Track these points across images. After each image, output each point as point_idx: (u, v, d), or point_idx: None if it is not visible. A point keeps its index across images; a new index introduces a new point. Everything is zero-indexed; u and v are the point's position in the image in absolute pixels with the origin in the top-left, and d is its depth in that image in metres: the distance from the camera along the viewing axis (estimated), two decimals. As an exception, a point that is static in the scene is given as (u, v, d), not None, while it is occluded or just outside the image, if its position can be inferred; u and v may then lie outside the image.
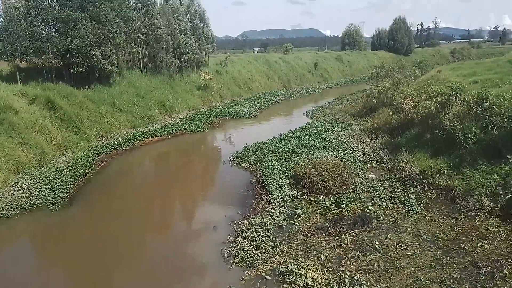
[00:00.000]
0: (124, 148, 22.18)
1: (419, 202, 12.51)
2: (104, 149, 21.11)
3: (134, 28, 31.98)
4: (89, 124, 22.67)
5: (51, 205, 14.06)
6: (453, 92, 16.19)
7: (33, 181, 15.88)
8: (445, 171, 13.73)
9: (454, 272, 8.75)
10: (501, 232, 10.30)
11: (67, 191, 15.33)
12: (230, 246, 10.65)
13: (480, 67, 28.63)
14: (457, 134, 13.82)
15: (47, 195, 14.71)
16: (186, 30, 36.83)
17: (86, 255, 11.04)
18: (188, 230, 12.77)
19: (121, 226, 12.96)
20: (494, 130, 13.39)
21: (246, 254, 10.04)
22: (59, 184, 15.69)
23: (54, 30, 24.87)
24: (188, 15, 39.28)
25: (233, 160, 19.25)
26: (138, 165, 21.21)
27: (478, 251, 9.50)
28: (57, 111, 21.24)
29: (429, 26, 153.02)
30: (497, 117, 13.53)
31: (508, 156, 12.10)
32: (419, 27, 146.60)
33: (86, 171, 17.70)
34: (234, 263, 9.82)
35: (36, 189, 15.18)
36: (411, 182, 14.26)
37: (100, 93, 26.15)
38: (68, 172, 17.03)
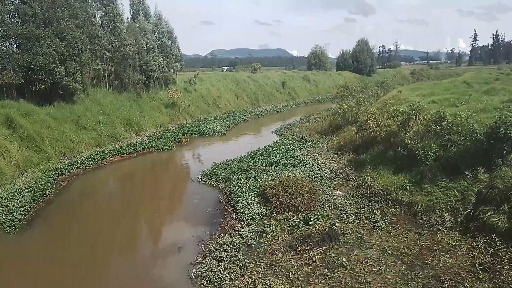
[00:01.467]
0: (88, 167, 21.45)
1: (384, 218, 12.81)
2: (66, 169, 20.33)
3: (100, 45, 31.46)
4: (50, 143, 21.82)
5: (8, 228, 13.32)
6: (413, 111, 16.94)
7: (-11, 203, 15.04)
8: (408, 187, 14.19)
9: (419, 286, 8.96)
10: (461, 246, 10.68)
11: (26, 213, 14.61)
12: (197, 267, 10.44)
13: (438, 87, 30.20)
14: (417, 152, 14.35)
15: (4, 217, 13.94)
16: (153, 48, 36.66)
17: (45, 280, 10.48)
18: (155, 251, 12.40)
19: (83, 249, 12.40)
20: (453, 147, 14.02)
21: (214, 275, 9.86)
22: (18, 205, 14.93)
23: (15, 46, 24.13)
24: (156, 33, 39.17)
25: (201, 179, 19.05)
26: (102, 185, 20.53)
27: (441, 265, 9.79)
28: (16, 129, 20.37)
29: (390, 48, 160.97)
30: (455, 135, 14.21)
31: (466, 172, 12.69)
32: (381, 49, 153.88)
33: (47, 191, 16.95)
34: (202, 285, 9.60)
35: (-9, 211, 14.37)
36: (376, 198, 14.61)
37: (63, 110, 25.35)
38: (27, 193, 16.26)
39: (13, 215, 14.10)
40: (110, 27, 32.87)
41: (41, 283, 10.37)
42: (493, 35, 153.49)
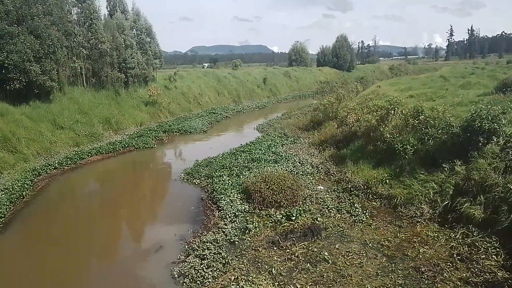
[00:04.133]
0: (66, 167, 20.98)
1: (365, 211, 12.98)
2: (44, 169, 19.83)
3: (76, 43, 30.74)
4: (26, 143, 21.22)
5: (-18, 232, 12.93)
6: (392, 106, 17.21)
7: (-38, 206, 14.54)
8: (387, 180, 14.41)
9: (399, 278, 9.12)
10: (440, 237, 10.91)
11: (2, 215, 14.19)
12: (180, 266, 10.37)
13: (416, 82, 30.75)
14: (396, 145, 14.58)
15: (-22, 221, 13.51)
16: (132, 45, 36.06)
17: (23, 284, 10.22)
18: (137, 252, 12.23)
19: (62, 251, 12.15)
20: (430, 141, 14.32)
21: (196, 273, 9.81)
22: (-7, 208, 14.50)
23: (-13, 44, 23.31)
24: (134, 29, 38.53)
25: (183, 177, 18.90)
26: (81, 185, 20.14)
27: (421, 256, 9.99)
28: (-10, 130, 19.74)
29: (369, 44, 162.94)
30: (432, 128, 14.51)
31: (444, 165, 12.97)
32: (360, 45, 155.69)
33: (24, 193, 16.51)
34: (184, 283, 9.55)
35: (-35, 215, 13.91)
36: (356, 192, 14.79)
37: (39, 110, 24.69)
38: (3, 195, 15.77)
39: (-12, 218, 13.69)
40: (87, 24, 32.14)
41: (18, 288, 10.11)
42: (469, 30, 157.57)
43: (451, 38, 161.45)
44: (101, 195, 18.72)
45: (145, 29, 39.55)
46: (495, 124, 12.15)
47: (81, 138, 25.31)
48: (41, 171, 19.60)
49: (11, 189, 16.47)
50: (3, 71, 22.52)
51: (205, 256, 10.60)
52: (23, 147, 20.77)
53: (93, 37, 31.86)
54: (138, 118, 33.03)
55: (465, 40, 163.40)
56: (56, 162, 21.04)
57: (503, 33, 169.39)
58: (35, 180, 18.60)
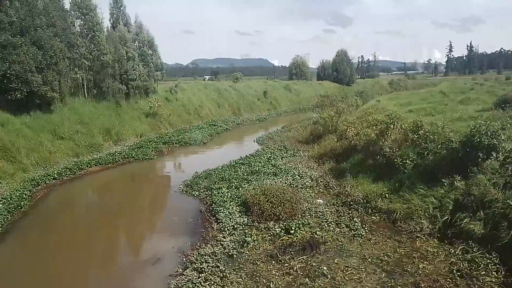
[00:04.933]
0: (65, 178, 20.93)
1: (364, 226, 12.91)
2: (43, 180, 19.78)
3: (78, 54, 30.99)
4: (26, 153, 21.21)
5: (-21, 242, 12.83)
6: (391, 121, 17.26)
7: (-40, 215, 14.47)
8: (387, 195, 14.39)
9: (398, 293, 9.04)
10: (440, 252, 10.86)
11: (0, 226, 14.11)
12: (177, 279, 10.26)
13: (415, 97, 30.96)
14: (396, 160, 14.61)
15: (-25, 231, 13.43)
16: (134, 57, 36.34)
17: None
18: (134, 264, 12.10)
19: (60, 262, 12.05)
20: (430, 155, 14.34)
21: (194, 287, 9.72)
22: (-10, 218, 14.43)
23: (-10, 54, 23.50)
24: (136, 42, 38.89)
25: (182, 189, 18.85)
26: (80, 196, 20.06)
27: (420, 272, 9.92)
28: (-10, 139, 19.75)
29: (369, 59, 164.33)
30: (432, 143, 14.54)
31: (443, 180, 12.96)
32: (360, 60, 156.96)
33: (22, 203, 16.43)
34: (182, 297, 9.45)
35: (-38, 225, 13.84)
36: (356, 206, 14.74)
37: (40, 120, 24.73)
38: (1, 205, 15.73)
39: (-15, 228, 13.61)
40: (89, 35, 32.41)
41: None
42: (468, 46, 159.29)
43: (450, 54, 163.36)
44: (100, 206, 18.62)
45: (147, 41, 39.96)
46: (495, 140, 12.18)
47: (81, 148, 25.32)
48: (40, 181, 19.55)
49: (9, 199, 16.43)
50: (5, 81, 22.62)
51: (203, 269, 10.51)
52: (23, 157, 20.76)
53: (95, 48, 32.13)
54: (139, 130, 33.09)
55: (464, 56, 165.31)
56: (55, 172, 21.00)
57: (501, 50, 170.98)
58: (34, 190, 18.55)
